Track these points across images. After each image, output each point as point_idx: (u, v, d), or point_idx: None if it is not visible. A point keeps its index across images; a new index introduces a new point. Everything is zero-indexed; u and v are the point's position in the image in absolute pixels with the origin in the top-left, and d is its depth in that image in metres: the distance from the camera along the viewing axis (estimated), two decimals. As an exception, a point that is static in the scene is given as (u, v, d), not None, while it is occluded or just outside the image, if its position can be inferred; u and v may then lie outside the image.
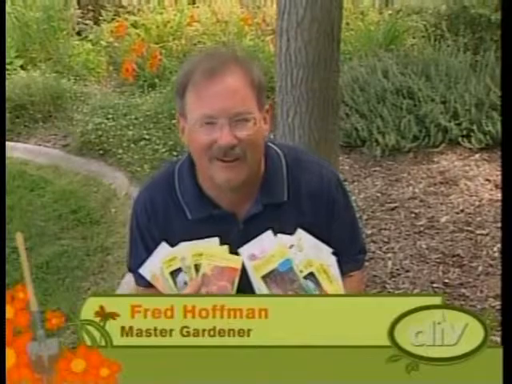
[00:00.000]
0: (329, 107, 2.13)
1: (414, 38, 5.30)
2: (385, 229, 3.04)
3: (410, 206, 3.22)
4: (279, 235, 1.22)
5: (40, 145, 4.76)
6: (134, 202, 1.39)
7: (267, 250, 1.20)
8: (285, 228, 1.24)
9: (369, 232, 3.01)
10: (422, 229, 3.00)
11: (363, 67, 4.45)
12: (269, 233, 1.22)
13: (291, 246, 1.21)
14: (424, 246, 2.84)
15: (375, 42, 5.04)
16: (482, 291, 2.48)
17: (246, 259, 1.20)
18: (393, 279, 2.63)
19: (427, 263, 2.72)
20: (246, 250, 1.21)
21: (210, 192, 1.30)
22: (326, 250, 1.23)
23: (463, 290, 2.51)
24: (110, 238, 3.18)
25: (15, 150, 4.64)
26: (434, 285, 2.55)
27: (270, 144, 1.35)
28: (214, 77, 1.17)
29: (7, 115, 4.97)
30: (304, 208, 1.31)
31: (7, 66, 5.64)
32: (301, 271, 1.20)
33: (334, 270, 1.22)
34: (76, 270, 2.92)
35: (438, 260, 2.73)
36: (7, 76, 5.41)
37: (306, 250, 1.21)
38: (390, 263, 2.74)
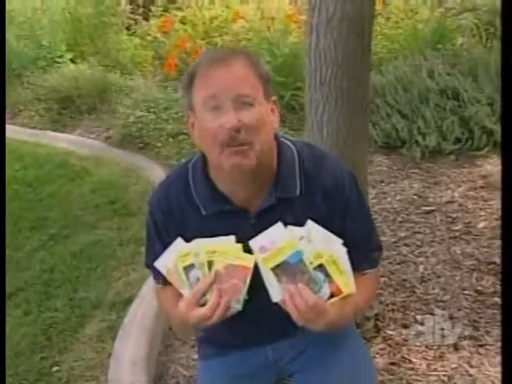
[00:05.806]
0: (357, 106, 2.08)
1: (463, 36, 5.13)
2: (419, 232, 2.95)
3: (447, 210, 3.12)
4: (289, 227, 1.21)
5: (84, 136, 4.90)
6: (149, 198, 1.40)
7: (277, 241, 1.19)
8: (296, 223, 1.22)
9: (402, 235, 2.94)
10: (457, 234, 2.89)
11: (408, 66, 4.34)
12: (279, 224, 1.21)
13: (301, 238, 1.20)
14: (458, 252, 2.75)
15: (422, 41, 4.91)
16: (516, 301, 2.39)
17: (257, 251, 1.20)
18: (423, 284, 2.55)
19: (460, 269, 2.62)
20: (256, 243, 1.21)
21: (222, 188, 1.30)
22: (337, 242, 1.21)
23: (496, 299, 2.41)
24: (144, 229, 3.22)
25: (60, 140, 4.79)
26: (466, 292, 2.46)
27: (284, 139, 1.35)
28: (220, 64, 1.18)
29: (55, 106, 5.14)
30: (316, 204, 1.30)
31: (58, 59, 5.83)
32: (311, 263, 1.19)
33: (344, 261, 1.20)
34: (108, 259, 2.97)
35: (472, 267, 2.63)
36: (57, 68, 5.58)
37: (315, 242, 1.20)
38: (421, 267, 2.66)
